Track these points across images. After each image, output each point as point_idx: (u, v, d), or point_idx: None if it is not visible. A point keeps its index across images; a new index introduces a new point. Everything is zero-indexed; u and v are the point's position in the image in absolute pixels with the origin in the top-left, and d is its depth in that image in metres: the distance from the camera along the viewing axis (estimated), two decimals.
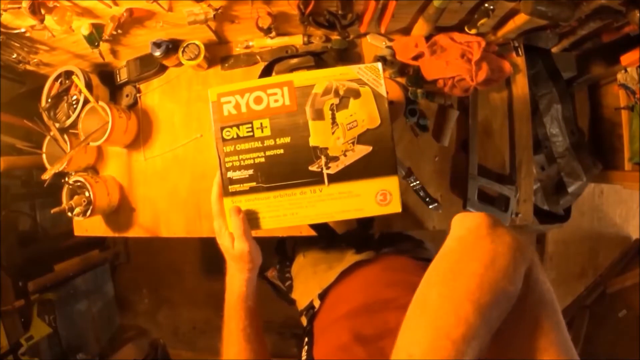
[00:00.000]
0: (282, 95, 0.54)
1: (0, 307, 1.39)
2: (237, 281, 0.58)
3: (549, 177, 1.03)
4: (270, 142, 0.54)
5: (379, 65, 0.53)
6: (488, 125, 0.85)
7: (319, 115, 0.53)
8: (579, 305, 1.68)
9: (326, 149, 0.53)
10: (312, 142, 0.53)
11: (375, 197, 0.53)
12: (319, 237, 0.81)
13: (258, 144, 0.54)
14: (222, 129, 0.54)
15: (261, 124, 0.54)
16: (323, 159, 0.53)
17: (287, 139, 0.54)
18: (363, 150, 0.53)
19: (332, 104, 0.53)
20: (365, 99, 0.53)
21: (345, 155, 0.53)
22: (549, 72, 0.98)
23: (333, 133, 0.53)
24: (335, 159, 0.53)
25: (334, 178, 0.53)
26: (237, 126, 0.54)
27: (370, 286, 0.61)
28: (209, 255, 2.05)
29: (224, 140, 0.55)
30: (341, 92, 0.53)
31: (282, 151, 0.54)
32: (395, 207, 0.53)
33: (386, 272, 0.64)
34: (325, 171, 0.53)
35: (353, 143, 0.53)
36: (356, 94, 0.53)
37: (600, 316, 1.60)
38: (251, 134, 0.54)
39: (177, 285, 2.12)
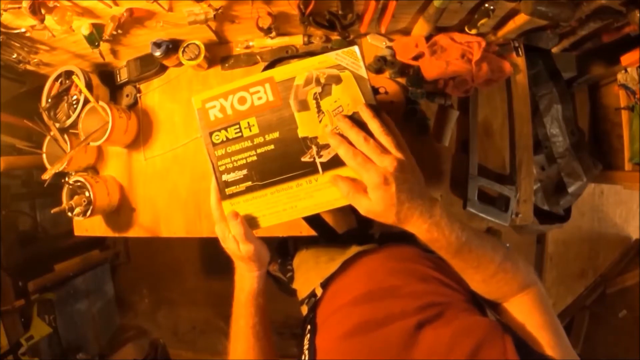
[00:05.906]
0: (265, 92, 0.54)
1: (0, 307, 1.39)
2: (247, 279, 0.58)
3: (549, 177, 1.03)
4: (260, 139, 0.54)
5: (356, 48, 0.53)
6: (488, 126, 0.85)
7: (303, 106, 0.53)
8: (579, 306, 1.68)
9: (316, 138, 0.53)
10: (301, 133, 0.53)
11: None
12: (320, 237, 0.81)
13: (248, 143, 0.54)
14: (211, 134, 0.54)
15: (248, 123, 0.54)
16: (314, 149, 0.53)
17: (276, 134, 0.53)
18: None
19: (315, 93, 0.53)
20: (347, 84, 0.53)
21: None
22: (549, 72, 0.98)
23: (320, 121, 0.53)
24: (326, 146, 0.52)
25: (328, 165, 0.53)
26: (225, 129, 0.54)
27: (374, 274, 0.60)
28: (209, 255, 2.05)
29: (214, 144, 0.54)
30: (322, 80, 0.53)
31: (272, 147, 0.54)
32: None
33: (390, 261, 0.63)
34: (318, 160, 0.53)
35: None
36: (337, 80, 0.53)
37: (600, 316, 1.60)
38: (240, 134, 0.54)
39: (177, 285, 2.12)
